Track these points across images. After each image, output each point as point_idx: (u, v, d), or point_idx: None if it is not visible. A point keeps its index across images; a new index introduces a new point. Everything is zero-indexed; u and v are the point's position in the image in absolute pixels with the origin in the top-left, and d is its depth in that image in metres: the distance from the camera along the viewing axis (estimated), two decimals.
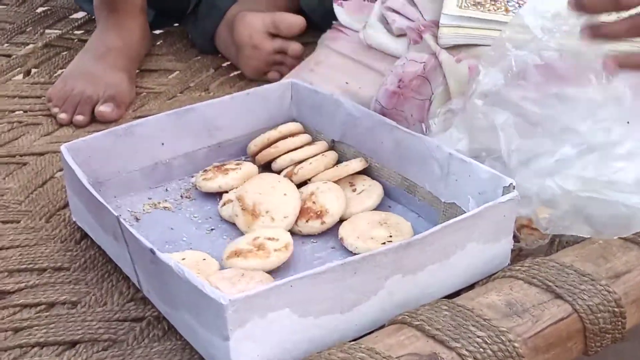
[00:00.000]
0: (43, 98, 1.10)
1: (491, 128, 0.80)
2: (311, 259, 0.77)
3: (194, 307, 0.64)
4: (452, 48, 0.91)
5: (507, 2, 0.92)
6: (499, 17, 0.91)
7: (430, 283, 0.70)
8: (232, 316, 0.61)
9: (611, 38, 0.79)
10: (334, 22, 1.05)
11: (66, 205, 0.87)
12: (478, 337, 0.62)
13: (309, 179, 0.86)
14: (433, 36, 0.92)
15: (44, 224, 0.86)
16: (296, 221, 0.80)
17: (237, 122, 0.91)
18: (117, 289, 0.76)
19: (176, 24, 1.30)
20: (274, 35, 1.12)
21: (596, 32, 0.79)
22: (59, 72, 1.17)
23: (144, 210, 0.85)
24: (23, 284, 0.77)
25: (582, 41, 0.80)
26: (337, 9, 1.03)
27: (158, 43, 1.26)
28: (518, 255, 0.77)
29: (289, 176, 0.86)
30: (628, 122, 0.78)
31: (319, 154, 0.88)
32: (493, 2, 0.92)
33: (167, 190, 0.88)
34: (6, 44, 1.26)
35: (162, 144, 0.88)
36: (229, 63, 1.21)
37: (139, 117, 1.05)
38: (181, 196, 0.87)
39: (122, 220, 0.71)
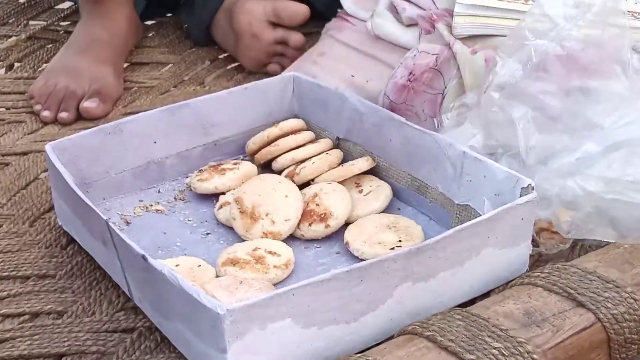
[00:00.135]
0: (27, 94, 1.10)
1: (508, 123, 0.80)
2: (314, 265, 0.78)
3: (188, 317, 0.64)
4: (467, 39, 0.91)
5: None
6: (517, 5, 0.91)
7: (442, 291, 0.70)
8: (230, 327, 0.61)
9: None
10: (339, 10, 1.05)
11: (51, 209, 0.87)
12: (494, 348, 0.62)
13: (312, 180, 0.86)
14: (446, 26, 0.92)
15: (28, 228, 0.86)
16: (298, 225, 0.81)
17: (234, 119, 0.92)
18: (106, 298, 0.76)
19: (169, 14, 1.30)
20: (275, 25, 1.12)
21: None
22: (44, 66, 1.17)
23: (134, 213, 0.85)
24: (5, 293, 0.77)
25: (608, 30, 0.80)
26: None
27: (150, 34, 1.27)
28: (537, 260, 0.77)
29: (291, 176, 0.86)
30: None
31: (322, 152, 0.88)
32: None
33: (159, 191, 0.88)
34: None
35: (154, 142, 0.88)
36: (226, 55, 1.21)
37: (129, 113, 1.06)
38: (175, 198, 0.87)
39: (111, 224, 0.71)
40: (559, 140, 0.79)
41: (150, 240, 0.80)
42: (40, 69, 1.18)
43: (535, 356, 0.62)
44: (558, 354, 0.64)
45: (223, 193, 0.86)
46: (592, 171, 0.76)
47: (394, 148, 0.85)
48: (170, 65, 1.20)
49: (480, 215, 0.74)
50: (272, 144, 0.89)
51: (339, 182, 0.84)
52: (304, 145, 0.89)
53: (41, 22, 1.29)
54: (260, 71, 1.14)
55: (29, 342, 0.71)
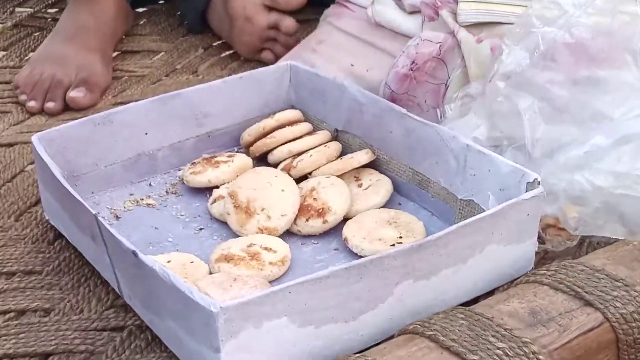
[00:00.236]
0: (13, 84, 1.10)
1: (514, 114, 0.80)
2: (312, 262, 0.78)
3: (180, 315, 0.65)
4: (473, 26, 0.91)
5: None
6: None
7: (444, 289, 0.70)
8: (224, 325, 0.61)
9: None
10: None
11: (38, 202, 0.88)
12: (498, 349, 0.62)
13: (310, 173, 0.86)
14: (451, 13, 0.92)
15: (13, 222, 0.86)
16: (295, 220, 0.81)
17: (229, 109, 0.92)
18: (94, 295, 0.76)
19: (161, 2, 1.30)
20: (270, 9, 1.12)
21: None
22: (30, 55, 1.17)
23: (124, 207, 0.85)
24: None
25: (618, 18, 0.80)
26: None
27: (141, 22, 1.27)
28: (543, 258, 0.77)
29: (287, 170, 0.86)
30: None
31: (320, 145, 0.88)
32: None
33: (150, 185, 0.89)
34: None
35: (146, 133, 0.88)
36: (219, 42, 1.21)
37: (120, 103, 1.06)
38: (166, 192, 0.88)
39: (100, 218, 0.71)
40: (566, 132, 0.80)
41: (140, 236, 0.80)
42: (26, 57, 1.18)
43: (541, 357, 0.62)
44: (565, 355, 0.64)
45: (217, 187, 0.86)
46: (601, 165, 0.76)
47: (394, 140, 0.85)
48: (162, 53, 1.20)
49: (484, 210, 0.74)
50: (268, 136, 0.89)
51: (338, 176, 0.85)
52: (301, 137, 0.89)
53: (28, 9, 1.29)
54: (254, 58, 1.14)
55: (14, 340, 0.71)
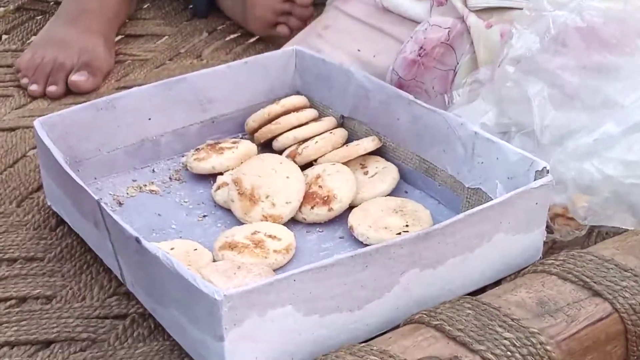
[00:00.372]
0: (14, 67, 1.11)
1: (523, 99, 0.80)
2: (317, 250, 0.78)
3: (184, 303, 0.65)
4: (482, 11, 0.91)
5: None
6: None
7: (451, 278, 0.70)
8: (228, 313, 0.61)
9: None
10: None
11: (40, 188, 0.88)
12: (505, 339, 0.62)
13: (315, 160, 0.86)
14: None
15: (15, 208, 0.86)
16: (300, 207, 0.81)
17: (233, 95, 0.92)
18: (97, 282, 0.76)
19: None
20: None
21: None
22: (32, 38, 1.18)
23: (127, 193, 0.85)
24: None
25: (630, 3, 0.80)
26: None
27: (145, 6, 1.27)
28: (551, 247, 0.77)
29: (292, 156, 0.86)
30: None
31: (326, 131, 0.88)
32: None
33: (154, 171, 0.89)
34: None
35: (149, 118, 0.88)
36: (223, 26, 1.22)
37: (123, 87, 1.06)
38: (170, 178, 0.88)
39: (103, 204, 0.71)
40: (576, 119, 0.79)
41: (144, 222, 0.81)
42: (29, 41, 1.18)
43: (548, 347, 0.62)
44: (572, 346, 0.64)
45: (221, 173, 0.86)
46: (611, 153, 0.76)
47: (401, 127, 0.85)
48: (166, 37, 1.20)
49: (492, 199, 0.74)
50: (273, 122, 0.89)
51: (343, 163, 0.85)
52: (306, 123, 0.89)
53: None
54: (269, 34, 1.14)
55: (15, 327, 0.72)
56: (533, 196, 0.72)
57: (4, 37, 1.21)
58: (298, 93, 0.93)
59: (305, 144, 0.87)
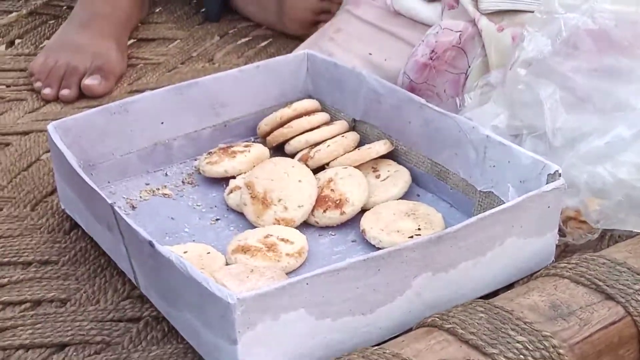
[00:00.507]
0: (28, 71, 1.11)
1: (534, 102, 0.80)
2: (329, 253, 0.78)
3: (197, 306, 0.65)
4: (494, 14, 0.91)
5: None
6: None
7: (463, 282, 0.70)
8: (241, 317, 0.61)
9: None
10: None
11: (54, 192, 0.88)
12: (518, 342, 0.62)
13: (327, 164, 0.86)
14: (472, 0, 0.92)
15: (29, 212, 0.87)
16: (312, 211, 0.81)
17: (245, 99, 0.92)
18: (111, 286, 0.77)
19: None
20: None
21: None
22: (45, 42, 1.18)
23: (141, 197, 0.86)
24: (6, 280, 0.78)
25: None
26: None
27: (157, 10, 1.27)
28: (564, 251, 0.78)
29: (304, 160, 0.86)
30: None
31: (338, 135, 0.88)
32: None
33: (166, 175, 0.89)
34: None
35: (162, 122, 0.88)
36: (235, 30, 1.22)
37: (135, 91, 1.07)
38: (183, 182, 0.88)
39: (116, 208, 0.72)
40: (587, 121, 0.79)
41: (157, 226, 0.81)
42: (41, 45, 1.19)
43: (561, 351, 0.62)
44: (585, 349, 0.64)
45: (233, 177, 0.86)
46: (623, 157, 0.76)
47: (413, 131, 0.85)
48: (178, 41, 1.20)
49: (504, 202, 0.74)
50: (285, 126, 0.89)
51: (355, 167, 0.85)
52: (318, 127, 0.89)
53: None
54: (308, 33, 1.15)
55: (30, 331, 0.72)
56: (545, 200, 0.72)
57: (17, 41, 1.21)
58: (310, 97, 0.94)
59: (317, 147, 0.87)
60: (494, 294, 0.71)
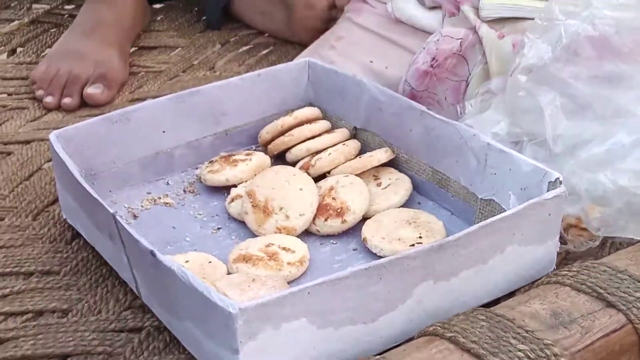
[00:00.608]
0: (29, 79, 1.11)
1: (535, 109, 0.80)
2: (331, 262, 0.78)
3: (199, 316, 0.65)
4: (495, 22, 0.91)
5: None
6: None
7: (465, 290, 0.70)
8: (242, 327, 0.62)
9: None
10: None
11: (55, 201, 0.88)
12: (519, 350, 0.62)
13: (328, 172, 0.86)
14: (472, 8, 0.92)
15: (31, 221, 0.87)
16: (314, 219, 0.81)
17: (247, 107, 0.92)
18: (112, 296, 0.77)
19: None
20: None
21: None
22: (47, 51, 1.19)
23: (142, 206, 0.86)
24: (7, 290, 0.78)
25: None
26: None
27: (158, 18, 1.28)
28: (565, 258, 0.78)
29: (306, 168, 0.87)
30: None
31: (339, 143, 0.88)
32: None
33: (168, 183, 0.89)
34: None
35: (163, 131, 0.89)
36: (236, 38, 1.22)
37: (137, 99, 1.07)
38: (184, 190, 0.88)
39: (118, 217, 0.72)
40: (588, 128, 0.79)
41: (158, 235, 0.81)
42: (43, 53, 1.19)
43: (562, 359, 0.62)
44: (587, 357, 0.64)
45: (235, 185, 0.86)
46: (624, 164, 0.76)
47: (414, 139, 0.85)
48: (179, 49, 1.21)
49: (505, 210, 0.75)
50: (286, 134, 0.90)
51: (357, 175, 0.85)
52: (319, 135, 0.89)
53: (45, 6, 1.30)
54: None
55: (32, 341, 0.72)
56: (546, 207, 0.72)
57: (19, 49, 1.22)
58: (311, 105, 0.94)
59: (319, 155, 0.87)
60: (495, 302, 0.71)
